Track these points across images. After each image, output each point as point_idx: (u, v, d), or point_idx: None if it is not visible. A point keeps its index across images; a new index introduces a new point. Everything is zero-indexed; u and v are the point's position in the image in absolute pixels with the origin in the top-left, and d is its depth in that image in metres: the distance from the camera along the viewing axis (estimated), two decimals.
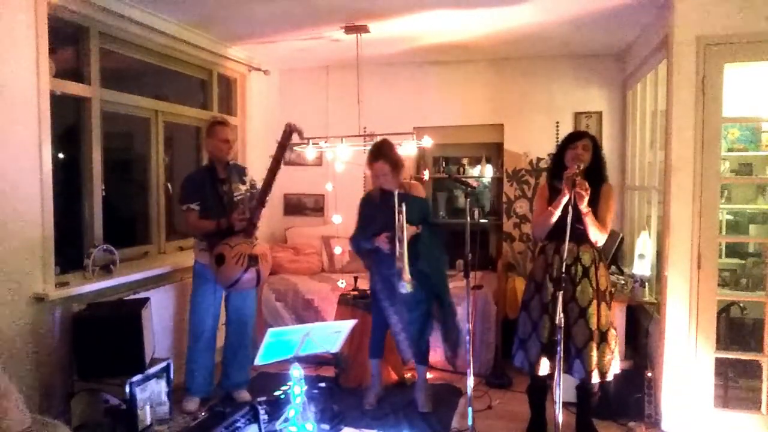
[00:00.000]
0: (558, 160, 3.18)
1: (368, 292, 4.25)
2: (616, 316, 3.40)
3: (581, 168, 2.99)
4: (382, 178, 3.56)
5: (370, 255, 3.70)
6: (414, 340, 3.64)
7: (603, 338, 3.06)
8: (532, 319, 3.21)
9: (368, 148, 4.37)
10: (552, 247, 3.12)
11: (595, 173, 3.11)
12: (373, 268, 3.72)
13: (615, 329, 3.17)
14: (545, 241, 3.19)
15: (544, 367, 3.12)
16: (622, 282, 3.97)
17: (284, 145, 3.55)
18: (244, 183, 3.83)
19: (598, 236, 3.05)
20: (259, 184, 3.72)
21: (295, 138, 3.61)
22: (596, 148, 3.14)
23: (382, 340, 3.81)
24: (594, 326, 3.04)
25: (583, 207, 2.93)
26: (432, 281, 3.59)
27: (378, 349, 3.83)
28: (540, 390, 3.35)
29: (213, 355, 3.86)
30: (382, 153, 3.57)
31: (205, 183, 3.70)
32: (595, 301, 3.06)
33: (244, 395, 3.83)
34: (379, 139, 3.77)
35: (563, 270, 2.80)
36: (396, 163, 3.58)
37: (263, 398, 3.61)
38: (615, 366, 3.12)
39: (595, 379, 3.06)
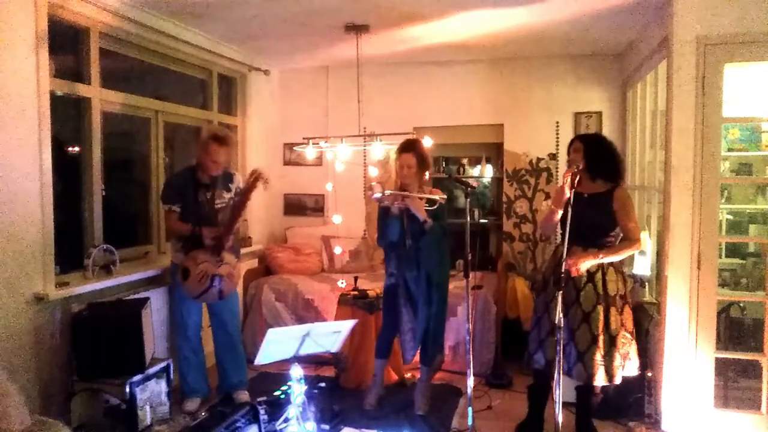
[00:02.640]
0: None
1: (369, 291, 4.27)
2: None
3: (580, 167, 3.03)
4: (406, 170, 3.56)
5: (392, 252, 3.68)
6: (420, 340, 3.65)
7: (612, 343, 3.07)
8: (536, 315, 3.28)
9: (368, 147, 4.39)
10: (561, 249, 3.14)
11: (595, 171, 3.14)
12: (392, 266, 3.70)
13: (630, 333, 3.15)
14: (558, 242, 3.23)
15: (539, 360, 3.19)
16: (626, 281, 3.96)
17: (248, 192, 3.59)
18: (229, 190, 3.75)
19: (629, 254, 3.16)
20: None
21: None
22: (589, 148, 3.16)
23: (391, 341, 3.81)
24: (598, 330, 3.04)
25: (589, 263, 3.04)
26: (434, 286, 3.61)
27: (386, 349, 3.82)
28: (540, 390, 3.36)
29: (202, 354, 3.86)
30: (413, 146, 3.64)
31: (188, 187, 3.64)
32: (600, 306, 3.06)
33: (243, 396, 3.82)
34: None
35: (563, 270, 2.81)
36: (423, 160, 3.62)
37: (263, 398, 3.62)
38: (630, 369, 3.13)
39: (600, 382, 3.06)
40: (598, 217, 3.08)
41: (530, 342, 3.28)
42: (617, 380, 3.10)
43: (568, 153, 3.25)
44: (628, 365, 3.13)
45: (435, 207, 3.48)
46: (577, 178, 2.90)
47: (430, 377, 3.83)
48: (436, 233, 3.54)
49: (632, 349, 3.17)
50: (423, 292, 3.59)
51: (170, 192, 3.68)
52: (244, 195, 3.62)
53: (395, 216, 3.56)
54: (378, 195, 3.27)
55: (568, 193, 2.92)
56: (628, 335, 3.14)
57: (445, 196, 3.52)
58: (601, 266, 3.10)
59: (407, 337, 3.65)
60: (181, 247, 3.66)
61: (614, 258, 3.09)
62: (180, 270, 3.54)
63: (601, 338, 3.05)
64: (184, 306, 3.72)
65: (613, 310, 3.08)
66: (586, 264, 3.02)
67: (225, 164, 3.67)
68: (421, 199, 3.47)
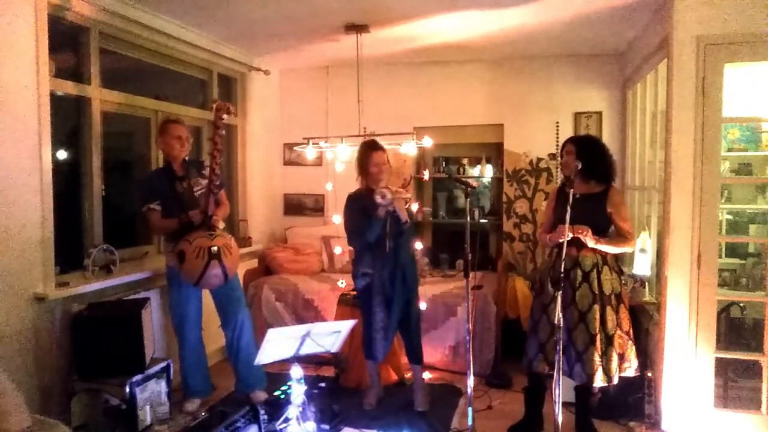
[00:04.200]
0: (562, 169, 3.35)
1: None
2: None
3: (579, 167, 3.04)
4: (382, 167, 3.57)
5: (366, 252, 3.66)
6: (392, 339, 3.73)
7: (609, 342, 3.07)
8: (533, 319, 3.27)
9: None
10: (556, 250, 3.17)
11: (588, 172, 3.15)
12: (366, 266, 3.66)
13: (626, 333, 3.16)
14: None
15: (541, 365, 3.17)
16: (623, 282, 3.96)
17: (217, 129, 3.51)
18: (204, 177, 3.72)
19: (623, 251, 3.19)
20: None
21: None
22: (582, 149, 3.16)
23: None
24: (596, 330, 3.05)
25: (590, 243, 3.06)
26: (409, 284, 3.68)
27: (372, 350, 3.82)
28: (536, 390, 3.36)
29: (202, 357, 3.84)
30: (379, 145, 3.66)
31: (163, 182, 3.64)
32: (596, 305, 3.07)
33: (259, 396, 3.76)
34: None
35: (562, 271, 2.81)
36: (388, 159, 3.70)
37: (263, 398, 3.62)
38: (628, 371, 3.14)
39: (599, 382, 3.06)
40: (593, 218, 3.09)
41: (529, 347, 3.27)
42: (615, 380, 3.10)
43: (561, 156, 3.28)
44: (626, 367, 3.13)
45: (407, 206, 3.56)
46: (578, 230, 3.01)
47: (421, 372, 3.84)
48: (410, 232, 3.65)
49: (631, 352, 3.16)
50: (399, 290, 3.61)
51: (147, 191, 3.65)
52: (213, 134, 3.52)
53: (380, 218, 3.50)
54: (388, 201, 3.31)
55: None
56: (625, 335, 3.15)
57: (410, 195, 3.73)
58: (596, 264, 3.10)
59: (379, 336, 3.64)
60: (173, 248, 3.61)
61: (608, 248, 3.11)
62: (176, 256, 3.47)
63: (598, 338, 3.05)
64: (180, 308, 3.69)
65: (608, 309, 3.09)
66: (589, 238, 3.05)
67: (187, 142, 3.67)
68: (402, 199, 3.51)
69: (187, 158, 3.74)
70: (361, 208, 3.57)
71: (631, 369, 3.16)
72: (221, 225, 3.63)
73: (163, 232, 3.75)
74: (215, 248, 3.42)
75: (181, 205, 3.59)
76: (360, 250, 3.71)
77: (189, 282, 3.52)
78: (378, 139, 3.80)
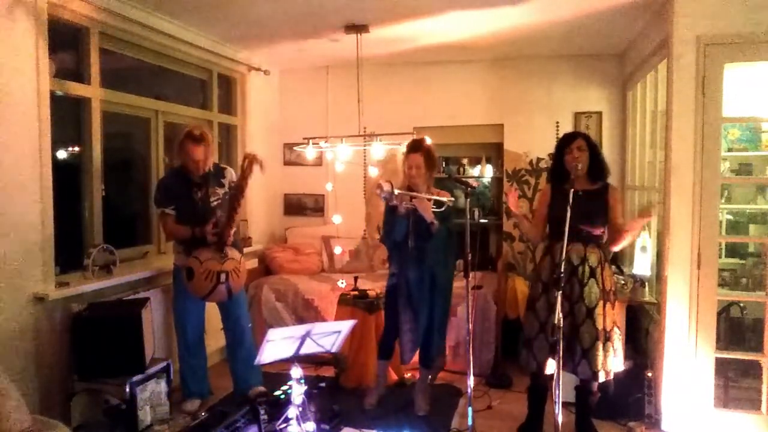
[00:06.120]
0: (557, 164, 3.25)
1: (369, 291, 4.26)
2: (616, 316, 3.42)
3: (580, 167, 3.04)
4: (415, 170, 3.53)
5: (394, 252, 3.65)
6: (419, 342, 3.66)
7: (608, 338, 3.10)
8: (539, 319, 3.23)
9: (368, 147, 4.38)
10: (559, 248, 3.14)
11: (595, 171, 3.16)
12: (394, 266, 3.67)
13: (619, 328, 3.20)
14: (552, 240, 3.23)
15: (551, 366, 3.15)
16: (622, 282, 3.97)
17: (244, 178, 3.46)
18: (222, 186, 3.68)
19: (625, 244, 3.22)
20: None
21: (256, 170, 3.47)
22: (592, 147, 3.17)
23: (393, 341, 3.78)
24: (600, 326, 3.07)
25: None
26: (438, 288, 3.62)
27: (388, 350, 3.81)
28: (541, 391, 3.35)
29: (202, 357, 3.84)
30: (420, 146, 3.60)
31: (179, 186, 3.58)
32: (602, 302, 3.09)
33: (256, 389, 3.76)
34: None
35: (561, 270, 2.80)
36: (431, 160, 3.60)
37: (263, 398, 3.61)
38: (618, 364, 3.15)
39: (602, 377, 3.09)
40: (594, 214, 3.10)
41: (538, 349, 3.20)
42: (611, 375, 3.14)
43: (564, 151, 3.17)
44: (617, 361, 3.16)
45: (442, 209, 3.46)
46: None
47: (433, 378, 3.81)
48: (441, 235, 3.53)
49: (620, 345, 3.21)
50: (425, 293, 3.58)
51: (162, 194, 3.61)
52: (240, 182, 3.49)
53: (402, 216, 3.51)
54: (386, 194, 3.23)
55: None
56: (618, 330, 3.19)
57: (453, 198, 3.51)
58: (600, 261, 3.11)
59: (405, 338, 3.64)
60: (182, 249, 3.62)
61: (627, 242, 3.20)
62: (184, 270, 3.49)
63: (601, 334, 3.07)
64: (183, 308, 3.69)
65: (608, 306, 3.12)
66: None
67: (207, 162, 3.58)
68: (429, 200, 3.45)
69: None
70: (392, 208, 3.56)
71: (618, 362, 3.19)
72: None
73: (175, 237, 3.71)
74: (224, 274, 3.45)
75: (195, 213, 3.55)
76: (389, 250, 3.73)
77: (195, 297, 3.55)
78: (424, 137, 3.71)
